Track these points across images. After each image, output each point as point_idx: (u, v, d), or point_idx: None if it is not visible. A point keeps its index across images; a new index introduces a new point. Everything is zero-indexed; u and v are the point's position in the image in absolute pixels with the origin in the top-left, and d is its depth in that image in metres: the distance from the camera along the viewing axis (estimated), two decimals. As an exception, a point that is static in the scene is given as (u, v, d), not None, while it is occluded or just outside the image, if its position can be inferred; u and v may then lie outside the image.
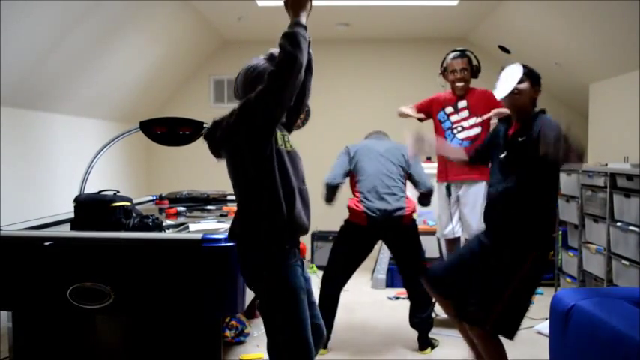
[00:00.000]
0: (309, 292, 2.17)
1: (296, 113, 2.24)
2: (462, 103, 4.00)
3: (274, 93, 1.88)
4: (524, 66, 2.50)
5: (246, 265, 2.08)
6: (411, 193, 3.60)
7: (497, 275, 2.40)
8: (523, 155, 2.41)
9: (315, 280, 4.90)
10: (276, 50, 1.95)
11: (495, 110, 3.63)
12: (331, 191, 3.31)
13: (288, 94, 1.90)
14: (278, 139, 2.02)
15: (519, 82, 2.45)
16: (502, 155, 2.52)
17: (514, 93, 2.45)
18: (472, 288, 2.47)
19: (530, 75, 2.49)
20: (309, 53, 2.06)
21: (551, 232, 2.51)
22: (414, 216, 3.37)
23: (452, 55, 3.93)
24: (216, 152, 2.08)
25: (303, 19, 1.92)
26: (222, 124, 2.01)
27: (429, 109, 4.10)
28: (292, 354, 2.01)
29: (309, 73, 2.18)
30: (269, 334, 2.06)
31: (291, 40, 1.86)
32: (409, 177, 3.40)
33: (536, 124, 2.38)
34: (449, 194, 4.02)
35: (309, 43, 2.00)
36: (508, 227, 2.46)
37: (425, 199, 3.47)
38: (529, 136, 2.38)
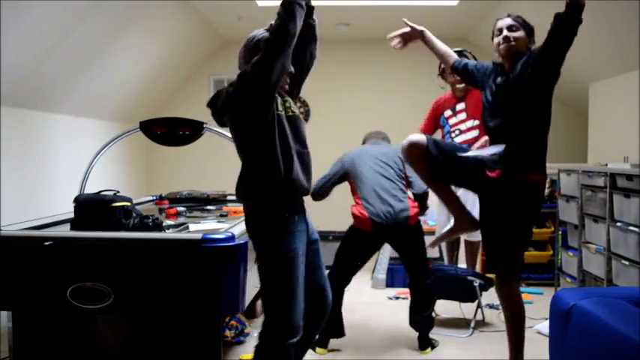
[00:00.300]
0: (316, 255, 2.27)
1: (300, 80, 2.34)
2: (460, 106, 4.00)
3: (268, 61, 1.95)
4: (518, 17, 2.60)
5: (249, 225, 2.18)
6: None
7: (515, 220, 2.45)
8: (516, 92, 2.47)
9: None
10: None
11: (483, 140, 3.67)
12: (314, 198, 3.30)
13: (282, 61, 1.98)
14: (279, 105, 2.10)
15: (515, 31, 2.53)
16: (496, 97, 2.55)
17: (510, 41, 2.51)
18: (494, 241, 2.53)
19: (524, 26, 2.58)
20: (313, 20, 2.20)
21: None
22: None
23: None
24: (220, 120, 2.17)
25: None
26: (222, 94, 2.10)
27: (435, 119, 4.11)
28: (272, 326, 2.08)
29: (313, 41, 2.31)
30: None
31: (286, 8, 1.96)
32: (406, 179, 3.39)
33: (527, 56, 2.50)
34: None
35: (313, 9, 2.16)
36: (517, 162, 2.46)
37: (419, 201, 3.43)
38: (520, 70, 2.47)
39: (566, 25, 2.23)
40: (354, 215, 3.28)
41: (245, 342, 3.40)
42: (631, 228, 3.38)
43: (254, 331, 3.59)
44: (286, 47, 1.97)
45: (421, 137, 2.63)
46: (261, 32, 2.16)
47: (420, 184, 3.39)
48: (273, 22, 2.06)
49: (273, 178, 2.06)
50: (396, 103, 6.18)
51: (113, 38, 4.28)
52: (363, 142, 3.62)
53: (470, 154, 2.66)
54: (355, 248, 3.32)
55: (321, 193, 3.33)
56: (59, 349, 2.75)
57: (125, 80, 5.10)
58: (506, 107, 2.49)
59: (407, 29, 2.86)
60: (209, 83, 6.36)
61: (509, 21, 2.55)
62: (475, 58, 4.03)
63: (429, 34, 2.84)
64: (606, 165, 3.94)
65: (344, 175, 3.35)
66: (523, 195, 2.46)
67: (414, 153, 2.62)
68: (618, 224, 3.53)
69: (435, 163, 2.59)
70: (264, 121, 2.03)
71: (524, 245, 2.61)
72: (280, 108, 2.10)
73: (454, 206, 2.77)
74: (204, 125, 3.14)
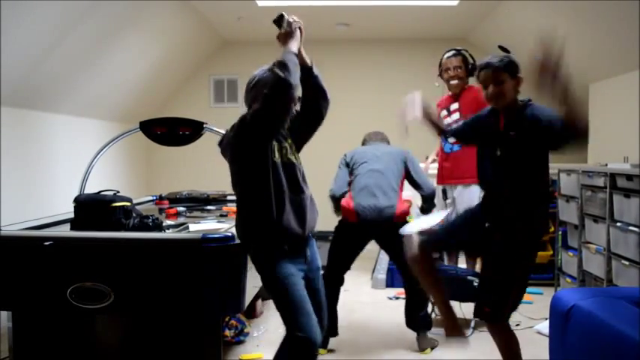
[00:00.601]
0: (315, 290, 2.37)
1: (309, 133, 2.50)
2: (454, 106, 4.01)
3: (265, 114, 2.09)
4: (499, 60, 2.43)
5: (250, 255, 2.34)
6: (412, 192, 3.60)
7: (509, 267, 2.40)
8: (520, 150, 2.38)
9: (315, 280, 4.82)
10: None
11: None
12: (337, 202, 3.33)
13: (280, 114, 2.13)
14: (275, 152, 2.22)
15: (498, 84, 2.37)
16: (498, 152, 2.47)
17: (498, 96, 2.38)
18: (484, 286, 2.50)
19: (508, 68, 2.40)
20: (314, 76, 2.32)
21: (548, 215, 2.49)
22: (409, 218, 3.35)
23: (446, 55, 3.94)
24: (225, 155, 2.32)
25: (293, 48, 2.16)
26: (227, 134, 2.26)
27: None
28: (292, 339, 2.19)
29: (324, 100, 2.42)
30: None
31: (281, 66, 2.07)
32: (411, 180, 3.40)
33: (527, 112, 2.35)
34: (445, 197, 4.03)
35: (316, 77, 2.31)
36: (519, 219, 2.41)
37: (427, 202, 3.47)
38: (521, 127, 2.35)
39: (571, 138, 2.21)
40: (342, 207, 3.30)
41: (245, 342, 3.40)
42: (631, 228, 3.37)
43: (254, 331, 3.59)
44: (285, 100, 2.09)
45: (417, 249, 2.52)
46: (262, 72, 2.27)
47: (427, 185, 3.44)
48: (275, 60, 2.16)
49: (264, 222, 2.20)
50: (396, 103, 6.15)
51: (113, 38, 4.28)
52: (363, 143, 3.63)
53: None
54: (343, 241, 3.33)
55: (339, 196, 3.34)
56: (59, 349, 2.75)
57: (125, 80, 5.10)
58: (512, 163, 2.42)
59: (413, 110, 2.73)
60: (209, 83, 6.36)
61: (484, 74, 2.43)
62: (472, 57, 4.04)
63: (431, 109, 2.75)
64: (606, 165, 3.94)
65: (349, 169, 3.40)
66: (523, 244, 2.42)
67: (424, 264, 2.57)
68: (618, 224, 3.53)
69: (445, 248, 2.66)
70: (259, 166, 2.17)
71: (517, 291, 2.47)
72: (277, 155, 2.22)
73: (447, 308, 2.68)
74: (204, 125, 3.14)
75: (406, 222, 3.31)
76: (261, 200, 2.19)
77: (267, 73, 2.20)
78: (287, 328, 2.21)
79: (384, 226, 3.22)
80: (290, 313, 2.20)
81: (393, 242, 3.31)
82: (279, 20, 2.24)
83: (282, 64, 2.08)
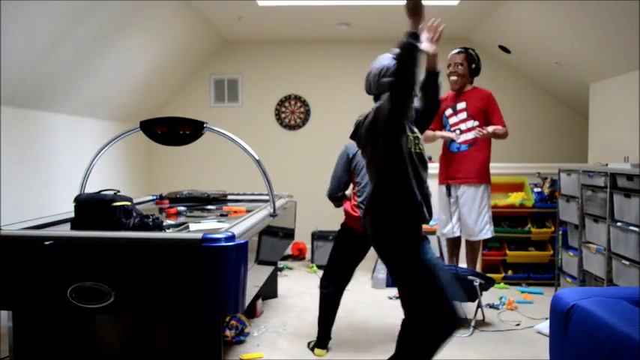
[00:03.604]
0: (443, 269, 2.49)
1: (428, 123, 2.60)
2: (461, 105, 4.01)
3: (392, 111, 2.20)
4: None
5: (380, 243, 2.40)
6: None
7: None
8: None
9: (316, 280, 4.89)
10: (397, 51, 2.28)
11: (492, 128, 3.74)
12: (335, 201, 3.29)
13: (407, 107, 2.23)
14: (409, 142, 2.30)
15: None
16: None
17: None
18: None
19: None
20: (438, 90, 2.44)
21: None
22: None
23: (452, 52, 3.97)
24: (363, 147, 2.43)
25: (418, 27, 2.23)
26: (363, 124, 2.36)
27: (440, 117, 4.13)
28: (442, 317, 2.28)
29: (436, 102, 2.53)
30: (408, 308, 2.38)
31: (406, 52, 2.13)
32: None
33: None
34: (449, 194, 4.03)
35: (438, 74, 2.42)
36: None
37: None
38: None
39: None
40: (345, 211, 3.26)
41: (245, 342, 3.40)
42: (631, 228, 3.37)
43: (254, 331, 3.59)
44: (410, 95, 2.18)
45: None
46: (388, 60, 2.37)
47: None
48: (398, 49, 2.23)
49: (410, 209, 2.30)
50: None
51: (113, 38, 4.28)
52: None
53: None
54: (346, 247, 3.29)
55: (340, 196, 3.28)
56: (60, 348, 2.75)
57: (126, 80, 5.10)
58: None
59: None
60: (209, 83, 6.36)
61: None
62: (477, 57, 4.04)
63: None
64: (606, 165, 3.94)
65: (350, 167, 3.25)
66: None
67: None
68: (618, 224, 3.53)
69: None
70: (397, 152, 2.27)
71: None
72: (410, 144, 2.31)
73: None
74: (205, 125, 3.13)
75: None
76: (405, 188, 2.28)
77: (394, 65, 2.27)
78: (431, 309, 2.29)
79: None
80: (438, 295, 2.28)
81: None
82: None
83: (402, 53, 2.14)
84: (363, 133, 2.37)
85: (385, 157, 2.30)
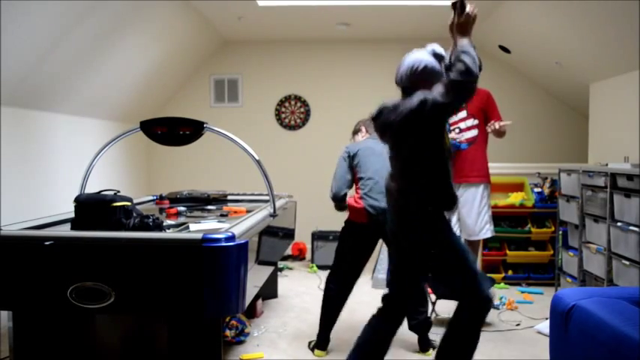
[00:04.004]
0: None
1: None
2: None
3: (449, 106, 2.27)
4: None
5: (409, 231, 2.46)
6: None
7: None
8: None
9: (316, 280, 4.87)
10: (438, 48, 2.42)
11: (503, 123, 3.75)
12: (339, 202, 3.28)
13: (462, 102, 2.34)
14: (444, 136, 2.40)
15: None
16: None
17: None
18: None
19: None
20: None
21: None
22: None
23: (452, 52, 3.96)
24: (394, 135, 2.45)
25: (470, 38, 2.30)
26: (396, 111, 2.37)
27: None
28: (481, 300, 2.39)
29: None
30: (447, 281, 2.59)
31: (470, 58, 2.21)
32: None
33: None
34: None
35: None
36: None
37: None
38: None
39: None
40: (349, 205, 3.23)
41: (245, 342, 3.40)
42: (631, 228, 3.38)
43: (254, 331, 3.59)
44: (470, 90, 2.25)
45: None
46: (428, 59, 2.40)
47: None
48: (434, 47, 2.42)
49: (445, 193, 2.42)
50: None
51: (113, 38, 4.28)
52: (356, 132, 3.52)
53: None
54: (352, 242, 3.26)
55: (340, 196, 3.25)
56: (60, 348, 2.76)
57: (125, 80, 5.10)
58: None
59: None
60: (209, 83, 6.36)
61: None
62: (479, 57, 4.04)
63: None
64: (607, 165, 3.94)
65: (352, 166, 3.27)
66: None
67: None
68: (619, 224, 3.53)
69: None
70: (434, 141, 2.38)
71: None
72: (446, 139, 2.42)
73: None
74: (205, 125, 3.13)
75: None
76: (441, 177, 2.40)
77: (434, 61, 2.37)
78: (469, 292, 2.39)
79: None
80: (472, 277, 2.39)
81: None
82: (461, 6, 2.28)
83: (469, 56, 2.21)
84: (398, 120, 2.38)
85: (427, 147, 2.37)
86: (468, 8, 2.29)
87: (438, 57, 2.41)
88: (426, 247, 2.43)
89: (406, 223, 2.46)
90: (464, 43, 2.27)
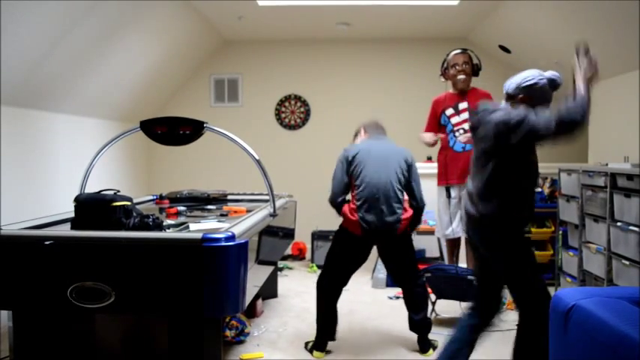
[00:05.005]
0: None
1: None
2: (463, 105, 4.00)
3: (544, 137, 2.36)
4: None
5: (488, 238, 2.57)
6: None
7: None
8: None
9: (316, 280, 4.87)
10: (558, 77, 2.60)
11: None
12: (335, 208, 3.26)
13: (560, 138, 2.41)
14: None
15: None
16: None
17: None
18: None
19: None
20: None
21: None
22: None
23: (454, 52, 3.95)
24: (474, 129, 2.57)
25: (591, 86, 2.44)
26: (494, 113, 2.45)
27: (436, 118, 4.11)
28: (546, 303, 2.43)
29: None
30: (515, 291, 2.62)
31: (584, 105, 2.43)
32: (407, 186, 3.23)
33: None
34: (449, 196, 4.03)
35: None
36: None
37: (416, 215, 3.29)
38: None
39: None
40: (344, 214, 3.20)
41: (245, 342, 3.40)
42: (631, 228, 3.37)
43: (254, 330, 3.59)
44: (571, 132, 2.39)
45: None
46: (539, 78, 2.54)
47: (422, 197, 3.28)
48: (554, 75, 2.59)
49: (525, 211, 2.55)
50: (396, 103, 6.18)
51: (113, 38, 4.28)
52: (356, 135, 3.49)
53: None
54: (344, 250, 3.25)
55: (337, 203, 3.23)
56: (60, 348, 2.75)
57: (125, 80, 5.10)
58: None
59: None
60: (209, 83, 6.37)
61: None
62: (477, 57, 4.04)
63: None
64: (607, 165, 3.94)
65: (348, 170, 3.20)
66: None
67: None
68: (619, 224, 3.53)
69: None
70: (533, 160, 2.53)
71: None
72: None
73: None
74: (205, 125, 3.13)
75: (407, 230, 3.28)
76: (528, 192, 2.53)
77: (545, 82, 2.52)
78: (536, 295, 2.52)
79: (386, 238, 3.20)
80: (538, 282, 2.54)
81: (395, 252, 3.29)
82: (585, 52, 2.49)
83: (585, 102, 2.41)
84: (495, 125, 2.42)
85: (518, 162, 2.47)
86: (593, 57, 2.46)
87: (552, 83, 2.52)
88: (504, 262, 2.56)
89: (485, 239, 2.58)
90: (583, 89, 2.45)
